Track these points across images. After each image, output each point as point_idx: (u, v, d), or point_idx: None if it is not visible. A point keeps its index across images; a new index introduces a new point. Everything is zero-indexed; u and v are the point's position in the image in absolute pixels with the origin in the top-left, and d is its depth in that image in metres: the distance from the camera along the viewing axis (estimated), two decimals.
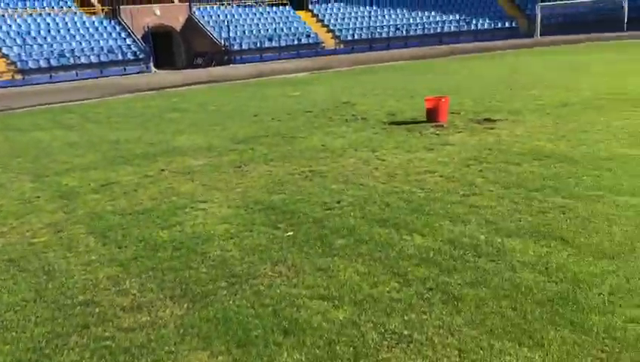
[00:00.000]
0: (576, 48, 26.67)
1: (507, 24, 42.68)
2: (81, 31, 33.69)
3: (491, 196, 5.57)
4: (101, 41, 33.25)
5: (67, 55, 31.06)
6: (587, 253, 4.06)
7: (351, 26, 41.09)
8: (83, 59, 31.30)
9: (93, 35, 33.62)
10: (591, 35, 34.89)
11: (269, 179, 6.91)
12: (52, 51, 30.90)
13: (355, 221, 5.10)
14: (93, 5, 36.66)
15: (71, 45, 32.02)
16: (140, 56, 33.28)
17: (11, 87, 27.58)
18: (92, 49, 32.25)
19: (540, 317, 3.25)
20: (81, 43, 32.53)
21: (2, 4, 33.48)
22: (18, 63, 29.39)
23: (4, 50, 29.74)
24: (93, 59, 31.71)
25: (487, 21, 42.42)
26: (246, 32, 38.23)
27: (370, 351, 3.05)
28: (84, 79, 29.57)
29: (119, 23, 35.25)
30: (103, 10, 36.41)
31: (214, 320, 3.50)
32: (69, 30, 33.45)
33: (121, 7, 35.70)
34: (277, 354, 3.08)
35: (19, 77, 28.94)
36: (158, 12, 37.08)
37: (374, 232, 4.77)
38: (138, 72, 32.08)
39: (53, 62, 30.39)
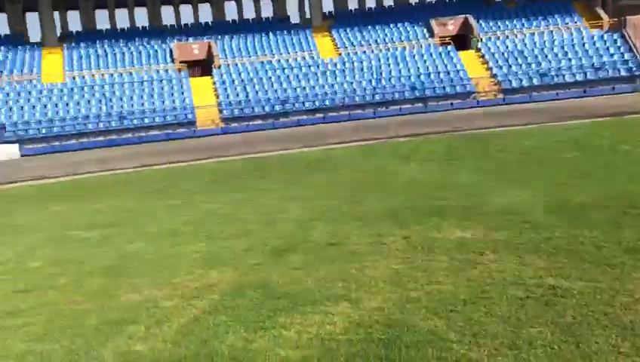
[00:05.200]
0: None
1: None
2: (576, 47, 32.95)
3: None
4: (594, 58, 31.88)
5: (551, 73, 31.10)
6: None
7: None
8: (567, 78, 30.84)
9: (586, 52, 32.50)
10: None
11: None
12: (537, 70, 31.35)
13: None
14: (600, 18, 34.74)
15: (557, 64, 31.77)
16: (637, 73, 30.21)
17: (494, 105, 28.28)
18: (581, 66, 31.31)
19: None
20: (570, 60, 32.01)
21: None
22: (503, 83, 30.68)
23: (494, 70, 31.56)
24: (579, 77, 30.70)
25: None
26: None
27: None
28: (565, 99, 28.15)
29: (622, 37, 32.68)
30: (609, 23, 34.13)
31: None
32: (562, 47, 33.08)
33: (627, 18, 32.66)
34: None
35: (500, 96, 30.11)
36: None
37: None
38: (632, 92, 28.25)
39: (535, 82, 30.73)
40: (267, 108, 30.86)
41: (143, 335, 3.73)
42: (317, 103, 31.20)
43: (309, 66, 34.32)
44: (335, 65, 34.27)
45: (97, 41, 39.13)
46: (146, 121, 30.94)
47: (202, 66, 36.74)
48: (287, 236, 6.06)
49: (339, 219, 6.62)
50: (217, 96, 32.26)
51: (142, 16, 45.28)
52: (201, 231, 6.77)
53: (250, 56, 36.08)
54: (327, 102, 31.20)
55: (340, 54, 35.82)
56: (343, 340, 3.36)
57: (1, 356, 3.60)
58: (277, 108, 30.92)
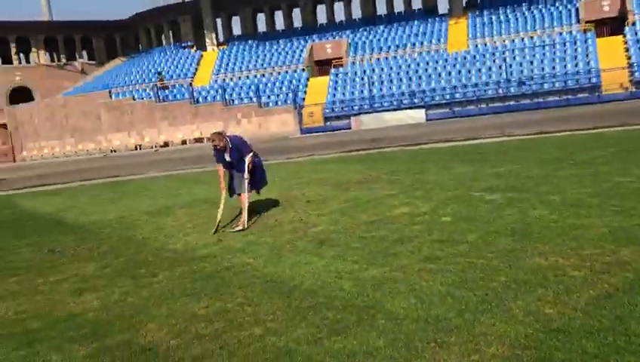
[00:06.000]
0: None
1: None
2: None
3: None
4: None
5: None
6: None
7: None
8: None
9: None
10: None
11: None
12: None
13: None
14: None
15: None
16: None
17: None
18: None
19: None
20: None
21: None
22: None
23: None
24: None
25: None
26: None
27: None
28: None
29: None
30: None
31: None
32: None
33: None
34: None
35: None
36: None
37: None
38: None
39: None
40: None
41: (552, 299, 3.81)
42: None
43: None
44: None
45: (500, 8, 39.57)
46: (545, 86, 30.09)
47: (612, 25, 33.43)
48: None
49: None
50: (629, 57, 28.94)
51: None
52: (609, 204, 6.34)
53: None
54: None
55: None
56: None
57: (426, 294, 4.21)
58: None
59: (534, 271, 4.41)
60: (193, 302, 4.69)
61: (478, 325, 3.54)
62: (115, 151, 40.43)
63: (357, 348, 3.45)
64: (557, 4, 37.99)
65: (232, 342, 3.77)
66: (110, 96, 42.23)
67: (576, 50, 31.90)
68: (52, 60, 58.79)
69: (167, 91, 41.59)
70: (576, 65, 30.80)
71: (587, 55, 30.98)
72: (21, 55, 58.06)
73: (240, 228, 7.48)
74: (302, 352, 3.49)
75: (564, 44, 32.75)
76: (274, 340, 3.70)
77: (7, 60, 55.48)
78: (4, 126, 49.99)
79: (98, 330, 4.31)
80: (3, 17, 69.13)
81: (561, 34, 34.26)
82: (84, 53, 60.77)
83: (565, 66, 30.97)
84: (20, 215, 11.84)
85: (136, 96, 41.58)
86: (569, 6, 36.63)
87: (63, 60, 58.02)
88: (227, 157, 7.80)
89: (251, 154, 7.79)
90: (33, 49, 56.92)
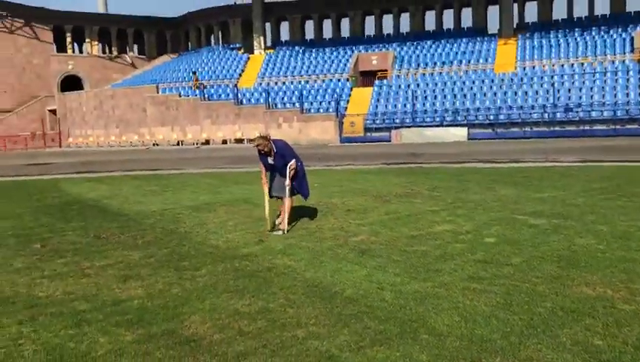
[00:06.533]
0: None
1: None
2: None
3: None
4: None
5: None
6: None
7: None
8: None
9: None
10: None
11: None
12: None
13: None
14: None
15: None
16: None
17: None
18: None
19: None
20: None
21: None
22: None
23: None
24: None
25: None
26: None
27: None
28: None
29: None
30: None
31: None
32: None
33: None
34: None
35: None
36: None
37: None
38: None
39: None
40: None
41: (601, 331, 3.75)
42: None
43: None
44: None
45: (552, 32, 39.02)
46: (593, 114, 29.47)
47: None
48: None
49: None
50: None
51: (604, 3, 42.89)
52: None
53: None
54: None
55: None
56: None
57: (470, 313, 4.19)
58: None
59: (582, 301, 4.34)
60: (236, 299, 4.77)
61: (523, 349, 3.51)
62: (157, 144, 41.22)
63: (400, 360, 3.45)
64: (611, 32, 37.24)
65: (274, 342, 3.82)
66: (157, 91, 43.12)
67: (628, 80, 31.17)
68: (104, 52, 60.41)
69: (212, 90, 42.26)
70: (627, 95, 30.08)
71: (639, 86, 30.24)
72: (75, 45, 59.82)
73: (280, 231, 7.55)
74: (344, 359, 3.51)
75: (616, 72, 32.04)
76: (316, 344, 3.74)
77: (62, 49, 57.23)
78: (54, 112, 51.55)
79: (143, 317, 4.42)
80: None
81: (613, 62, 33.55)
82: (135, 47, 62.25)
83: (615, 95, 30.29)
84: (66, 199, 12.19)
85: (182, 93, 42.36)
86: (624, 34, 35.85)
87: (115, 52, 59.57)
88: (271, 161, 7.86)
89: (294, 160, 7.79)
90: (87, 39, 58.61)
